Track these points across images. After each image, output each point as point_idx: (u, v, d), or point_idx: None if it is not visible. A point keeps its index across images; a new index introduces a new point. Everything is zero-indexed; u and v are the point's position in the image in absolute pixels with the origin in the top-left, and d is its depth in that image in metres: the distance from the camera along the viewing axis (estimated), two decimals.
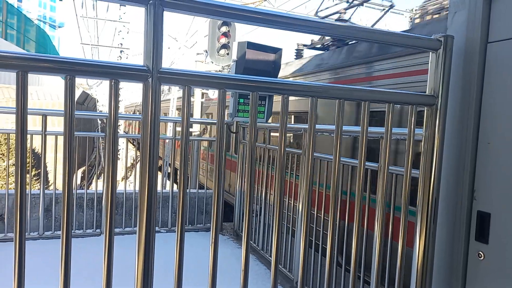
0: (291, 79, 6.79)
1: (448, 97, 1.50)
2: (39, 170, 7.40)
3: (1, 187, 4.61)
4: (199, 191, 5.19)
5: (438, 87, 1.47)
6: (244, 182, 4.62)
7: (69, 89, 1.01)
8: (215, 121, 1.44)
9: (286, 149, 1.40)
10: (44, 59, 0.98)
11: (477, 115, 1.49)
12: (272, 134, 4.35)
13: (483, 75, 1.48)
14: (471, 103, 1.50)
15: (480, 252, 1.48)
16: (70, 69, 0.99)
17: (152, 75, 1.06)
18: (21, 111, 0.97)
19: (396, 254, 1.62)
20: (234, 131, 4.79)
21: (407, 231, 1.54)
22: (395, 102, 1.46)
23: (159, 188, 4.01)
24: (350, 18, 8.39)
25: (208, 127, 10.87)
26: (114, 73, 1.04)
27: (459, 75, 1.53)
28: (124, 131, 27.12)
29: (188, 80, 1.15)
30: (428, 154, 1.49)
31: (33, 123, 3.47)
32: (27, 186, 3.41)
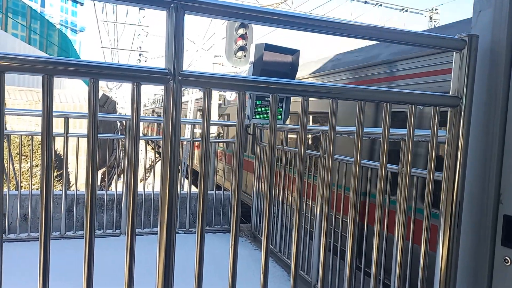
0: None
1: (472, 98, 1.46)
2: (61, 171, 7.57)
3: (24, 188, 4.75)
4: (217, 192, 5.21)
5: (462, 88, 1.44)
6: (261, 183, 4.61)
7: (93, 92, 1.02)
8: (235, 123, 1.44)
9: (306, 151, 1.38)
10: (69, 63, 1.00)
11: (503, 116, 1.45)
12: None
13: (510, 75, 1.44)
14: (497, 104, 1.45)
15: (507, 258, 1.43)
16: (94, 73, 1.01)
17: (174, 77, 1.07)
18: (47, 113, 0.99)
19: (418, 258, 1.58)
20: (251, 132, 4.79)
21: (430, 234, 1.50)
22: (418, 104, 1.43)
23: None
24: None
25: (224, 128, 10.89)
26: (137, 76, 1.06)
27: (484, 75, 1.49)
28: (143, 133, 27.45)
29: (208, 83, 1.15)
30: (452, 156, 1.46)
31: (56, 125, 3.56)
32: None
